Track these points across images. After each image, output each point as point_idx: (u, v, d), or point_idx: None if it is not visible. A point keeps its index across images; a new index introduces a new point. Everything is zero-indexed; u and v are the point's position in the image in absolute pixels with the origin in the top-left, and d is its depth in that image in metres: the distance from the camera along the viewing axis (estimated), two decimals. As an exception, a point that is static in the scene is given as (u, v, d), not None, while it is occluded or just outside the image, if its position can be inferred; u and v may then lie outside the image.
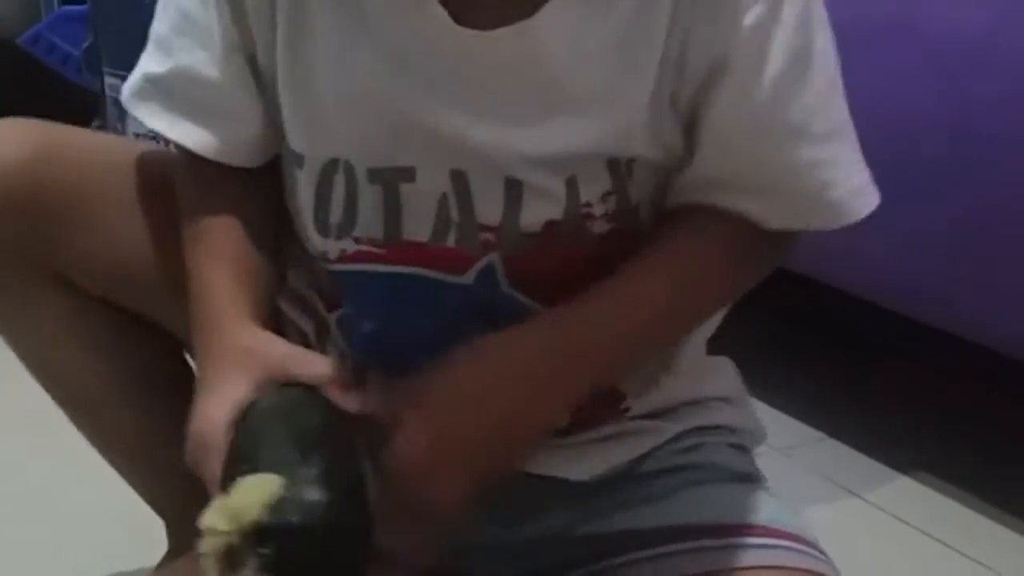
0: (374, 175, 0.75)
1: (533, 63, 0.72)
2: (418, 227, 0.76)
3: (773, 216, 0.75)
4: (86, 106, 1.93)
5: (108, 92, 1.77)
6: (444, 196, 0.74)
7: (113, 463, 0.94)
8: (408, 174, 0.75)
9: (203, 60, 0.79)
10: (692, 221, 0.76)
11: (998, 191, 1.14)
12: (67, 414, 0.93)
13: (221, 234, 0.79)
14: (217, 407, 0.69)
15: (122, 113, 1.75)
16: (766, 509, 0.80)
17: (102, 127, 1.85)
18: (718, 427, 0.84)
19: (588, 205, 0.75)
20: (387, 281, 0.78)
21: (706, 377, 0.85)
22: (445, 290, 0.77)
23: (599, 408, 0.81)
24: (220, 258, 0.78)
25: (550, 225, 0.75)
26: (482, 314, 0.77)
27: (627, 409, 0.82)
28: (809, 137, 0.74)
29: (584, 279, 0.74)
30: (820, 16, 0.74)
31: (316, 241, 0.79)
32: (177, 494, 0.86)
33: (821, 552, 0.79)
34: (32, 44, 2.09)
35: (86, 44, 1.88)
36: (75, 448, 0.93)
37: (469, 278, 0.77)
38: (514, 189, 0.74)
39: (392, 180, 0.75)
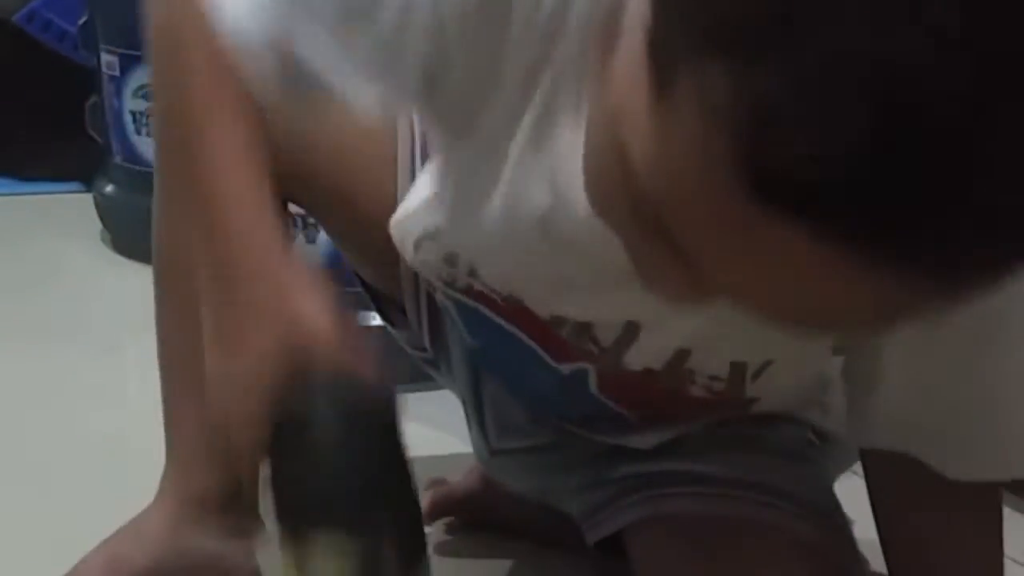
0: None
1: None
2: (541, 307, 0.77)
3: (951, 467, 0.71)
4: (83, 84, 1.92)
5: (105, 69, 1.76)
6: None
7: (171, 362, 0.89)
8: None
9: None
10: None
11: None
12: (164, 292, 0.88)
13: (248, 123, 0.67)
14: (254, 383, 0.63)
15: (119, 90, 1.74)
16: (783, 475, 0.81)
17: (98, 105, 1.84)
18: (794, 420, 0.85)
19: (691, 373, 0.76)
20: (496, 329, 0.80)
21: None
22: (540, 366, 0.80)
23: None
24: (248, 149, 0.66)
25: (648, 371, 0.77)
26: (568, 397, 0.82)
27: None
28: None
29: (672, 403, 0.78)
30: None
31: (445, 271, 0.79)
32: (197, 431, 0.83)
33: (834, 524, 0.82)
34: (27, 22, 2.07)
35: (82, 21, 1.86)
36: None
37: (564, 370, 0.80)
38: (631, 331, 0.75)
39: None
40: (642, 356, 0.76)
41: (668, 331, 0.74)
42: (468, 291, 0.80)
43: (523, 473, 0.93)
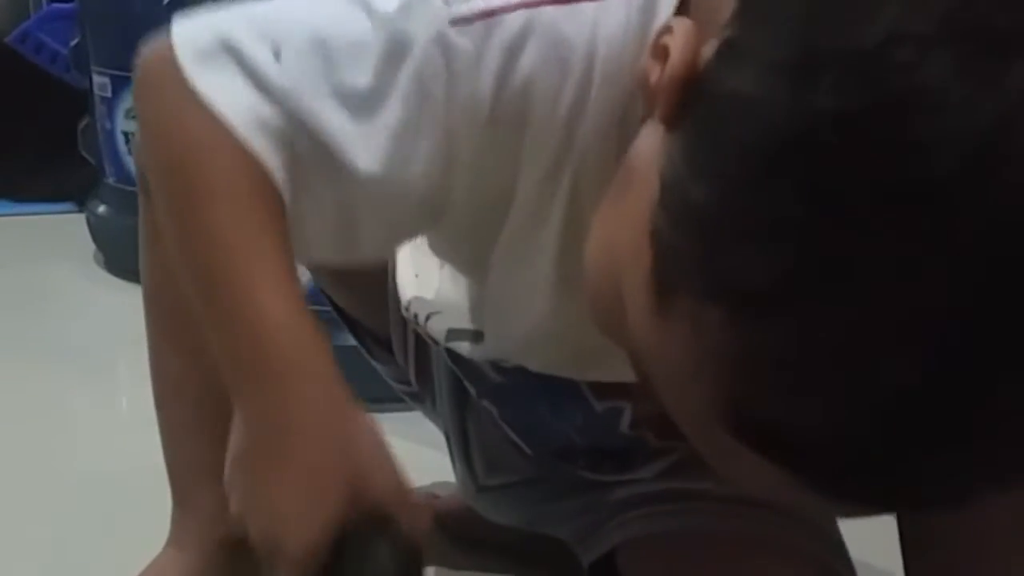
0: None
1: None
2: (578, 376, 0.77)
3: None
4: (75, 105, 1.92)
5: (97, 90, 1.77)
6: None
7: (169, 402, 0.85)
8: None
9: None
10: None
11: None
12: (157, 325, 0.83)
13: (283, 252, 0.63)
14: (311, 524, 0.60)
15: (111, 111, 1.74)
16: None
17: (91, 126, 1.84)
18: None
19: None
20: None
21: None
22: (576, 402, 0.78)
23: None
24: (289, 282, 0.62)
25: None
26: (591, 433, 0.80)
27: None
28: None
29: None
30: None
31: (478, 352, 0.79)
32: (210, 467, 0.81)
33: (831, 538, 0.82)
34: (20, 43, 2.08)
35: (74, 42, 1.87)
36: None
37: (599, 407, 0.78)
38: None
39: None
40: None
41: None
42: None
43: (512, 507, 0.91)
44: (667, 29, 0.51)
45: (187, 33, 0.63)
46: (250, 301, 0.61)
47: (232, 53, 0.61)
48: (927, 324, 0.41)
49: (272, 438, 0.61)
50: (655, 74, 0.50)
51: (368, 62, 0.61)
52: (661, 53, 0.50)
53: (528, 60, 0.59)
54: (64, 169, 2.05)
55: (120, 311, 1.67)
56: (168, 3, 1.56)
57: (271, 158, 0.61)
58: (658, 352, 0.48)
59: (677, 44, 0.49)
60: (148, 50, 0.66)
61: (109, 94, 1.74)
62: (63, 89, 2.03)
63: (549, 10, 0.59)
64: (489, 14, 0.59)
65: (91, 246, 1.86)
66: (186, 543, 0.86)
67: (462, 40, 0.59)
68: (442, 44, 0.60)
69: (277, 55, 0.61)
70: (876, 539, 0.78)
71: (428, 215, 0.66)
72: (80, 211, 1.92)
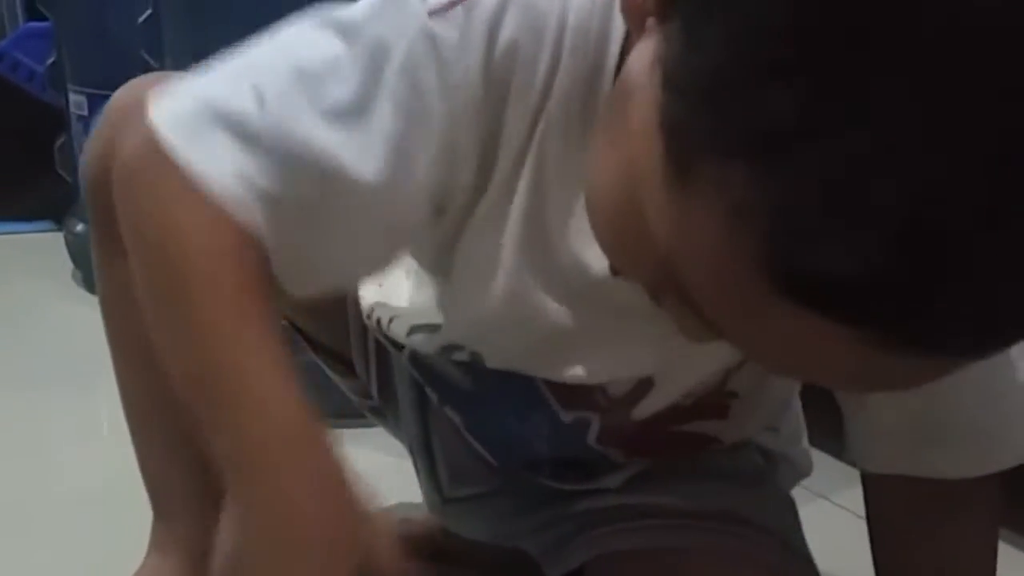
0: None
1: None
2: (549, 375, 0.76)
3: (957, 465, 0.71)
4: (52, 123, 1.92)
5: (73, 109, 1.77)
6: None
7: (141, 423, 0.85)
8: None
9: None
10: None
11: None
12: (122, 357, 0.83)
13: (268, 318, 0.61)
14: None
15: (87, 130, 1.74)
16: (744, 501, 0.81)
17: (67, 144, 1.84)
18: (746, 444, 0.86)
19: (689, 395, 0.76)
20: (498, 375, 0.77)
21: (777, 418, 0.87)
22: (541, 412, 0.78)
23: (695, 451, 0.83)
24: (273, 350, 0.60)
25: (656, 415, 0.76)
26: (558, 444, 0.80)
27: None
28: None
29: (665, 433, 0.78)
30: None
31: (444, 352, 0.78)
32: (193, 481, 0.80)
33: (796, 549, 0.82)
34: (-4, 62, 2.09)
35: (51, 60, 1.87)
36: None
37: (566, 418, 0.78)
38: (644, 386, 0.74)
39: None
40: (652, 407, 0.76)
41: (681, 382, 0.75)
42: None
43: (478, 519, 0.91)
44: None
45: (166, 107, 0.61)
46: (244, 390, 0.59)
47: (213, 113, 0.59)
48: (944, 146, 0.40)
49: (276, 528, 0.59)
50: None
51: (350, 74, 0.60)
52: None
53: (508, 31, 0.59)
54: (41, 187, 2.05)
55: (99, 329, 1.67)
56: (144, 21, 1.56)
57: (255, 215, 0.59)
58: (689, 240, 0.47)
59: None
60: (128, 141, 0.62)
61: (86, 112, 1.74)
62: (40, 108, 2.03)
63: None
64: None
65: (69, 264, 1.86)
66: (167, 550, 0.85)
67: (445, 28, 0.59)
68: (427, 37, 0.59)
69: (260, 100, 0.59)
70: (846, 558, 0.79)
71: (435, 211, 0.65)
72: (58, 229, 1.92)
